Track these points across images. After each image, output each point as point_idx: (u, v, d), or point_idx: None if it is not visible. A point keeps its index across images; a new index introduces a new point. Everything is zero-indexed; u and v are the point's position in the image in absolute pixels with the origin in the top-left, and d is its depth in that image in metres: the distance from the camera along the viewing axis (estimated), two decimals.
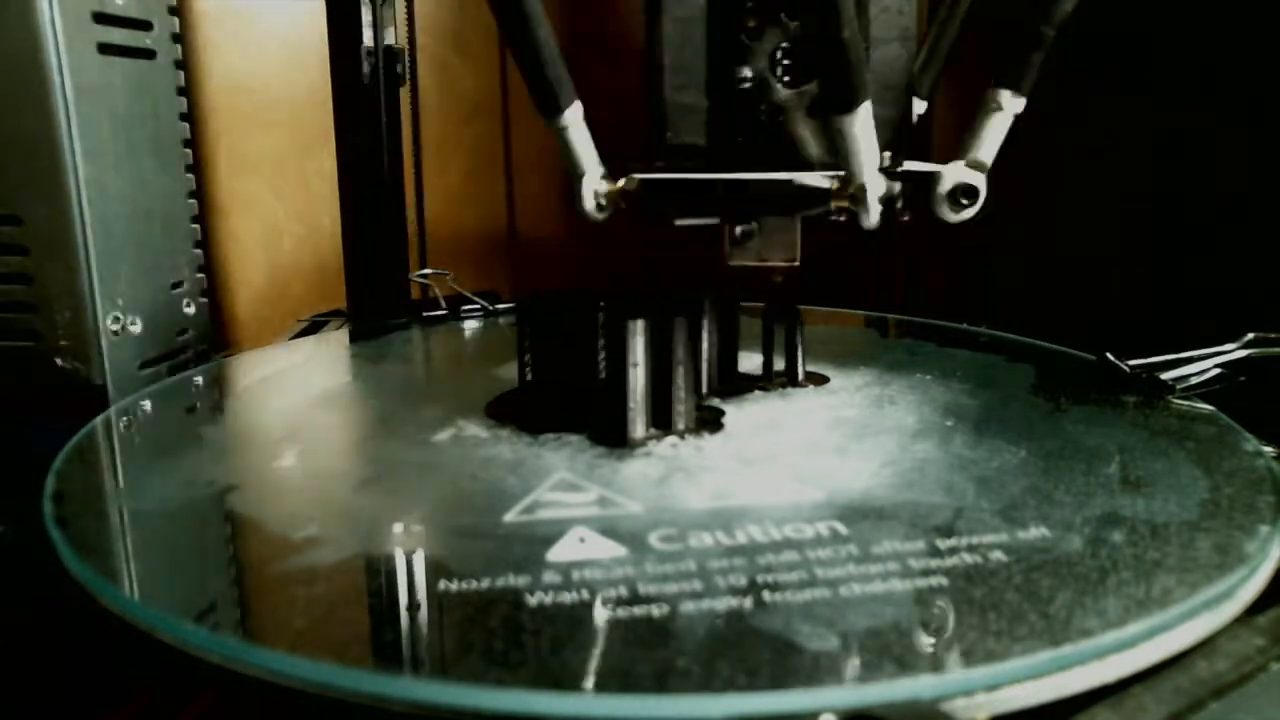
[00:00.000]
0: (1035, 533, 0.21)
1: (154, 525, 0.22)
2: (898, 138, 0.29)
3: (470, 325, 0.45)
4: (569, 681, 0.15)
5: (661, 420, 0.27)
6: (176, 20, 0.40)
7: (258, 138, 0.56)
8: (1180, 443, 0.26)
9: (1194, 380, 0.31)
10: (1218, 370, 0.31)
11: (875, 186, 0.26)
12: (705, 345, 0.30)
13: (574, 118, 0.28)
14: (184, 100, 0.41)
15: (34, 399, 0.35)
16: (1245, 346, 0.31)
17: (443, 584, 0.19)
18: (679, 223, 0.30)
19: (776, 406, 0.30)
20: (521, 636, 0.17)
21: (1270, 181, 0.41)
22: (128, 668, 0.18)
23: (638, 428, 0.26)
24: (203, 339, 0.42)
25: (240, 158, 0.56)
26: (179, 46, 0.40)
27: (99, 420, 0.29)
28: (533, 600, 0.18)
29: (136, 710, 0.18)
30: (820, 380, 0.32)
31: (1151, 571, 0.19)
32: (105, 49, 0.36)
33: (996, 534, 0.20)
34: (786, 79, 0.28)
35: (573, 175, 0.29)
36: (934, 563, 0.19)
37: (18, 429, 0.34)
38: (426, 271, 0.50)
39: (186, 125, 0.41)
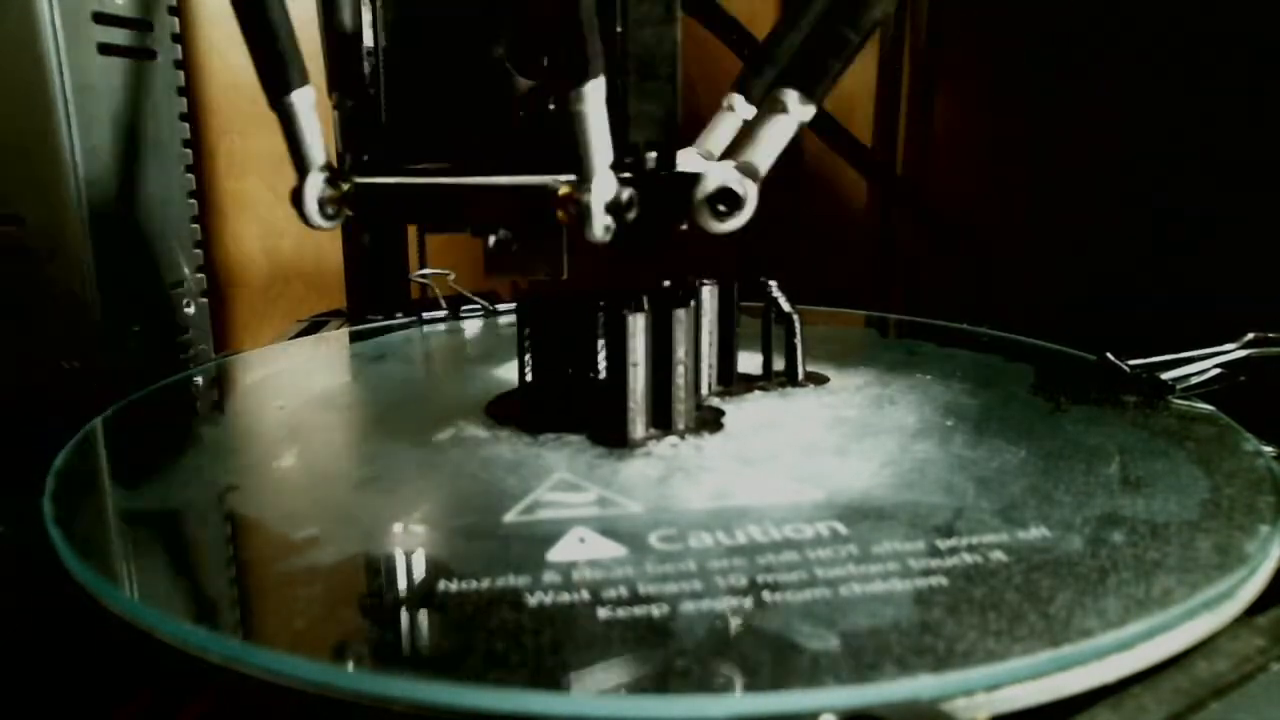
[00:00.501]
0: (1035, 533, 0.21)
1: (154, 525, 0.22)
2: (666, 135, 0.26)
3: (470, 325, 0.45)
4: (569, 681, 0.15)
5: (661, 420, 0.27)
6: (176, 20, 0.40)
7: (258, 138, 0.56)
8: (1180, 443, 0.26)
9: (1194, 380, 0.31)
10: (1218, 370, 0.31)
11: (601, 189, 0.23)
12: (705, 344, 0.30)
13: (302, 103, 0.25)
14: (184, 100, 0.41)
15: (34, 399, 0.35)
16: (1245, 346, 0.31)
17: (443, 584, 0.19)
18: (429, 231, 0.27)
19: (776, 406, 0.30)
20: (521, 636, 0.17)
21: (1271, 181, 0.41)
22: (128, 668, 0.18)
23: (638, 428, 0.26)
24: (203, 339, 0.42)
25: (240, 158, 0.56)
26: (179, 46, 0.40)
27: (99, 420, 0.29)
28: (533, 600, 0.18)
29: (136, 710, 0.18)
30: (820, 380, 0.32)
31: (1151, 572, 0.19)
32: (105, 49, 0.36)
33: (996, 534, 0.20)
34: (523, 69, 0.25)
35: (297, 171, 0.26)
36: (934, 563, 0.19)
37: (18, 429, 0.34)
38: (426, 271, 0.49)
39: (186, 125, 0.41)
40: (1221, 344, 0.32)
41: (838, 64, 0.23)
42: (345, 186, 0.26)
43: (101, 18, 0.36)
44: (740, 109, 0.28)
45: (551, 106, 0.25)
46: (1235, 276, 0.42)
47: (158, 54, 0.39)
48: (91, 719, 0.18)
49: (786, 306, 0.32)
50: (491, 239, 0.26)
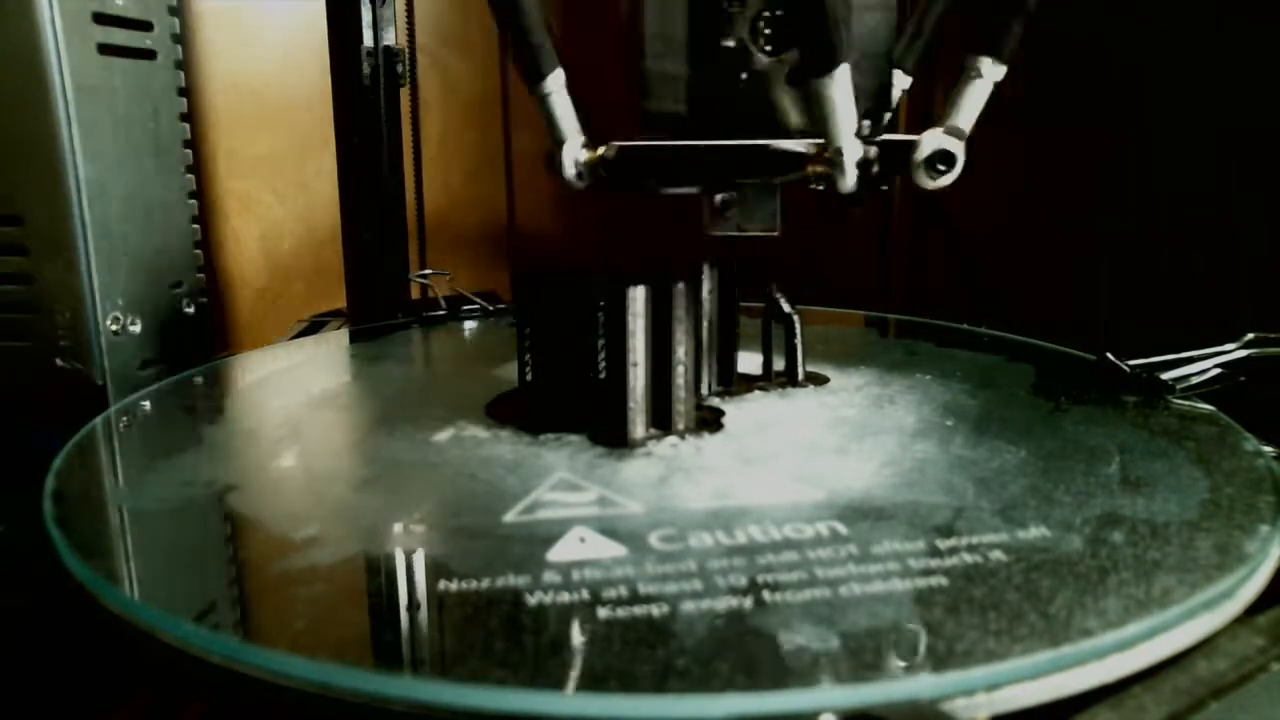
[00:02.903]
0: (1035, 532, 0.21)
1: (154, 525, 0.22)
2: (878, 106, 0.29)
3: (470, 325, 0.45)
4: (569, 681, 0.15)
5: (661, 420, 0.27)
6: (176, 20, 0.40)
7: (258, 138, 0.56)
8: (1180, 443, 0.26)
9: (1194, 380, 0.31)
10: (1218, 370, 0.31)
11: (852, 151, 0.26)
12: (705, 333, 0.30)
13: (555, 85, 0.29)
14: (184, 100, 0.41)
15: (34, 399, 0.35)
16: (1245, 346, 0.31)
17: (443, 584, 0.19)
18: (663, 191, 0.30)
19: (776, 406, 0.30)
20: (521, 636, 0.17)
21: (1271, 181, 0.41)
22: (127, 667, 0.18)
23: (638, 428, 0.26)
24: (203, 339, 0.42)
25: (240, 158, 0.56)
26: (179, 46, 0.40)
27: (99, 420, 0.29)
28: (533, 600, 0.18)
29: (136, 710, 0.18)
30: (820, 380, 0.32)
31: (1151, 571, 0.19)
32: (105, 49, 0.36)
33: (996, 534, 0.20)
34: (768, 47, 0.28)
35: (554, 142, 0.29)
36: (934, 562, 0.19)
37: (18, 429, 0.34)
38: (426, 272, 0.50)
39: (186, 125, 0.41)
40: (1221, 344, 0.32)
41: (1017, 24, 0.27)
42: (602, 150, 0.29)
43: (101, 18, 0.36)
44: (898, 81, 0.31)
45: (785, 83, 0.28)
46: (1235, 276, 0.42)
47: (158, 54, 0.39)
48: (91, 718, 0.18)
49: (786, 306, 0.32)
50: (718, 198, 0.29)
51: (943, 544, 0.20)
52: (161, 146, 0.39)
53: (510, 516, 0.22)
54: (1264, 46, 0.41)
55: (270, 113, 0.56)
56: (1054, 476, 0.24)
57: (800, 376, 0.32)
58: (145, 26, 0.38)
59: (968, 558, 0.19)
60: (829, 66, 0.25)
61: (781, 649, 0.16)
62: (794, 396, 0.31)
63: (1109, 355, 0.32)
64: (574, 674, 0.16)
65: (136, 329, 0.37)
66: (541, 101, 0.29)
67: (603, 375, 0.27)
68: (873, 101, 0.29)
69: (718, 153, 0.28)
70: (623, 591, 0.18)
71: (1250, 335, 0.32)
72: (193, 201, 0.41)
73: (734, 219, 0.29)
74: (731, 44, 0.28)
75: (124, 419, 0.30)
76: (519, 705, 0.15)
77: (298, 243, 0.58)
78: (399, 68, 0.47)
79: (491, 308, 0.46)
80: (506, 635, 0.17)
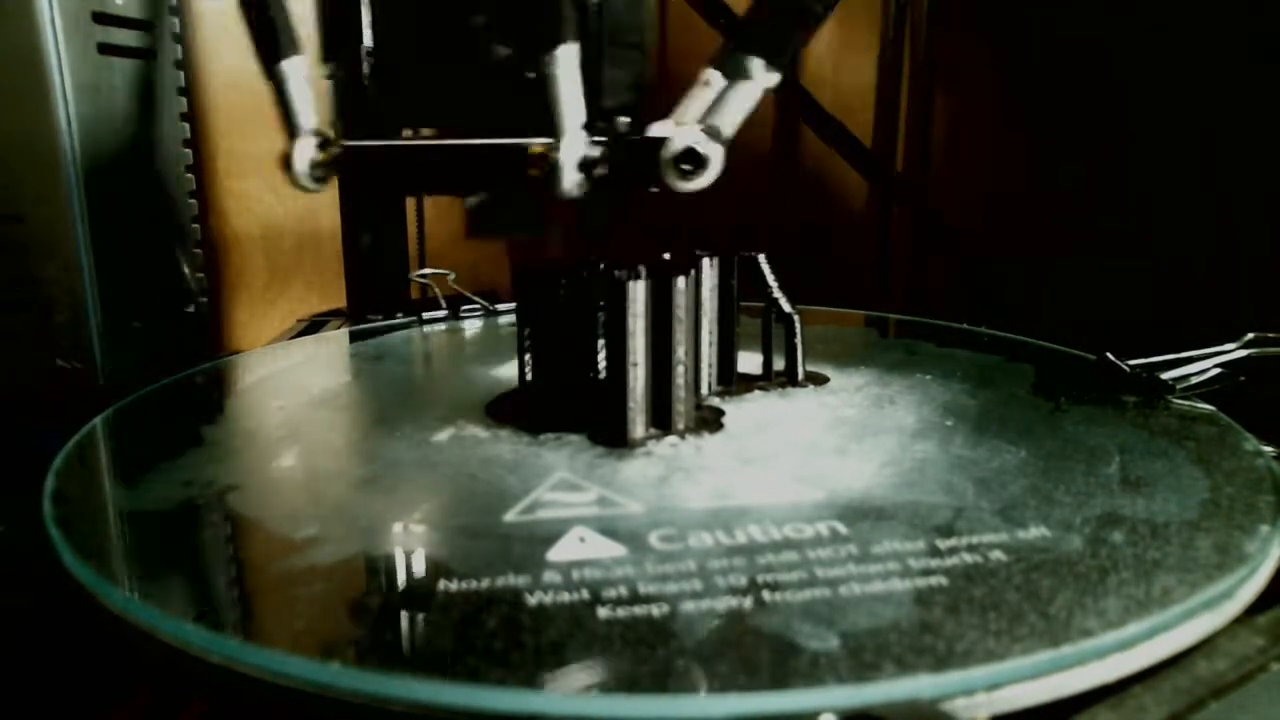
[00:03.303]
0: (1035, 532, 0.21)
1: (154, 525, 0.22)
2: (637, 100, 0.27)
3: (470, 325, 0.45)
4: (569, 681, 0.15)
5: (661, 420, 0.27)
6: (176, 20, 0.40)
7: (258, 138, 0.56)
8: (1180, 442, 0.26)
9: (1194, 380, 0.31)
10: (1218, 370, 0.31)
11: (572, 147, 0.24)
12: (705, 328, 0.30)
13: (293, 70, 0.27)
14: (184, 100, 0.41)
15: (34, 399, 0.35)
16: (1245, 346, 0.31)
17: (443, 584, 0.19)
18: (412, 194, 0.29)
19: (776, 406, 0.30)
20: (521, 636, 0.17)
21: (1271, 181, 0.41)
22: (127, 667, 0.18)
23: (638, 427, 0.26)
24: (203, 339, 0.42)
25: (240, 158, 0.56)
26: (179, 46, 0.40)
27: (99, 420, 0.29)
28: (533, 600, 0.18)
29: (136, 710, 0.18)
30: (820, 380, 0.32)
31: (1151, 571, 0.19)
32: (105, 49, 0.36)
33: (996, 534, 0.20)
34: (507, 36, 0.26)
35: (288, 137, 0.27)
36: (934, 562, 0.19)
37: (18, 429, 0.34)
38: (426, 271, 0.49)
39: (186, 125, 0.41)
40: (1221, 344, 0.32)
41: (800, 33, 0.25)
42: (334, 150, 0.27)
43: (101, 18, 0.36)
44: (716, 83, 0.29)
45: (530, 75, 0.26)
46: (1235, 276, 0.42)
47: (158, 54, 0.39)
48: (91, 718, 0.18)
49: (786, 306, 0.32)
50: (470, 200, 0.28)
51: (943, 544, 0.20)
52: (161, 146, 0.39)
53: (510, 516, 0.22)
54: (1264, 46, 0.41)
55: (270, 113, 0.56)
56: (1054, 476, 0.24)
57: (800, 376, 0.32)
58: (145, 26, 0.38)
59: (968, 558, 0.19)
60: (551, 43, 0.23)
61: (781, 649, 0.16)
62: (794, 396, 0.31)
63: (1109, 355, 0.32)
64: (574, 674, 0.16)
65: (137, 329, 0.37)
66: (275, 86, 0.27)
67: (603, 375, 0.27)
68: (631, 97, 0.27)
69: (442, 153, 0.27)
70: (623, 591, 0.18)
71: (1250, 335, 0.32)
72: (193, 201, 0.41)
73: (494, 221, 0.28)
74: (468, 34, 0.26)
75: (124, 419, 0.30)
76: (519, 705, 0.15)
77: (298, 243, 0.58)
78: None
79: (492, 307, 0.46)
80: (506, 635, 0.17)
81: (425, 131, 0.28)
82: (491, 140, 0.26)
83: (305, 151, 0.27)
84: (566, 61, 0.23)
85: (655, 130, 0.26)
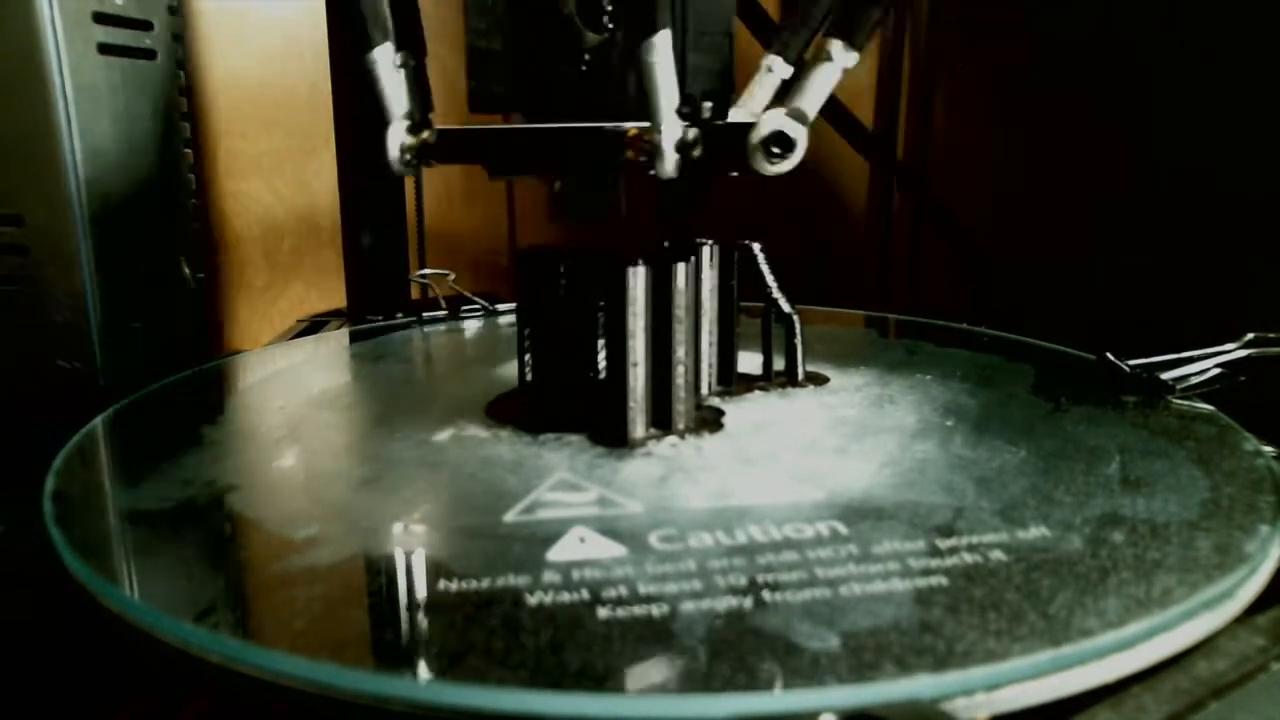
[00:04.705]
0: (1035, 532, 0.21)
1: (154, 525, 0.22)
2: (722, 88, 0.28)
3: (470, 325, 0.45)
4: (569, 682, 0.15)
5: (661, 420, 0.27)
6: (176, 20, 0.40)
7: (258, 138, 0.56)
8: (1180, 442, 0.26)
9: (1194, 380, 0.31)
10: (1218, 370, 0.31)
11: (670, 130, 0.25)
12: (705, 343, 0.30)
13: (383, 58, 0.27)
14: (184, 100, 0.41)
15: (34, 399, 0.35)
16: (1245, 346, 0.31)
17: (443, 584, 0.19)
18: (493, 178, 0.29)
19: (776, 406, 0.30)
20: (521, 636, 0.17)
21: (1271, 180, 0.41)
22: (127, 667, 0.18)
23: (638, 427, 0.26)
24: (203, 339, 0.42)
25: (240, 158, 0.56)
26: (179, 46, 0.40)
27: (99, 420, 0.29)
28: (533, 600, 0.18)
29: (136, 710, 0.18)
30: (820, 380, 0.32)
31: (1151, 571, 0.19)
32: (105, 49, 0.36)
33: (996, 534, 0.20)
34: (592, 25, 0.27)
35: (385, 122, 0.28)
36: (934, 562, 0.19)
37: (18, 429, 0.34)
38: (426, 271, 0.49)
39: (186, 125, 0.41)
40: (1221, 344, 0.31)
41: (875, 11, 0.25)
42: (425, 135, 0.27)
43: (101, 18, 0.36)
44: (778, 69, 0.30)
45: (615, 61, 0.27)
46: (1235, 276, 0.42)
47: (158, 54, 0.39)
48: (91, 718, 0.18)
49: (786, 307, 0.32)
50: (556, 184, 0.28)
51: (943, 544, 0.20)
52: (162, 146, 0.39)
53: (510, 516, 0.22)
54: (1265, 46, 0.41)
55: (270, 112, 0.56)
56: (1054, 476, 0.24)
57: (800, 376, 0.32)
58: (145, 26, 0.38)
59: (968, 557, 0.19)
60: (648, 31, 0.23)
61: (781, 649, 0.16)
62: (794, 396, 0.31)
63: (1109, 355, 0.32)
64: (574, 674, 0.16)
65: (137, 329, 0.37)
66: (369, 74, 0.27)
67: (603, 375, 0.27)
68: (715, 83, 0.27)
69: (539, 136, 0.27)
70: (623, 591, 0.18)
71: (1250, 335, 0.32)
72: (193, 201, 0.41)
73: (576, 205, 0.28)
74: (562, 21, 0.26)
75: (124, 419, 0.30)
76: (519, 705, 0.15)
77: (298, 243, 0.58)
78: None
79: (492, 307, 0.46)
80: (506, 635, 0.17)
81: (514, 118, 0.29)
82: (586, 124, 0.26)
83: (397, 137, 0.27)
84: (663, 47, 0.23)
85: (733, 116, 0.26)
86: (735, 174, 0.26)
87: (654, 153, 0.25)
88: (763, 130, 0.25)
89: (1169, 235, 0.45)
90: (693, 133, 0.25)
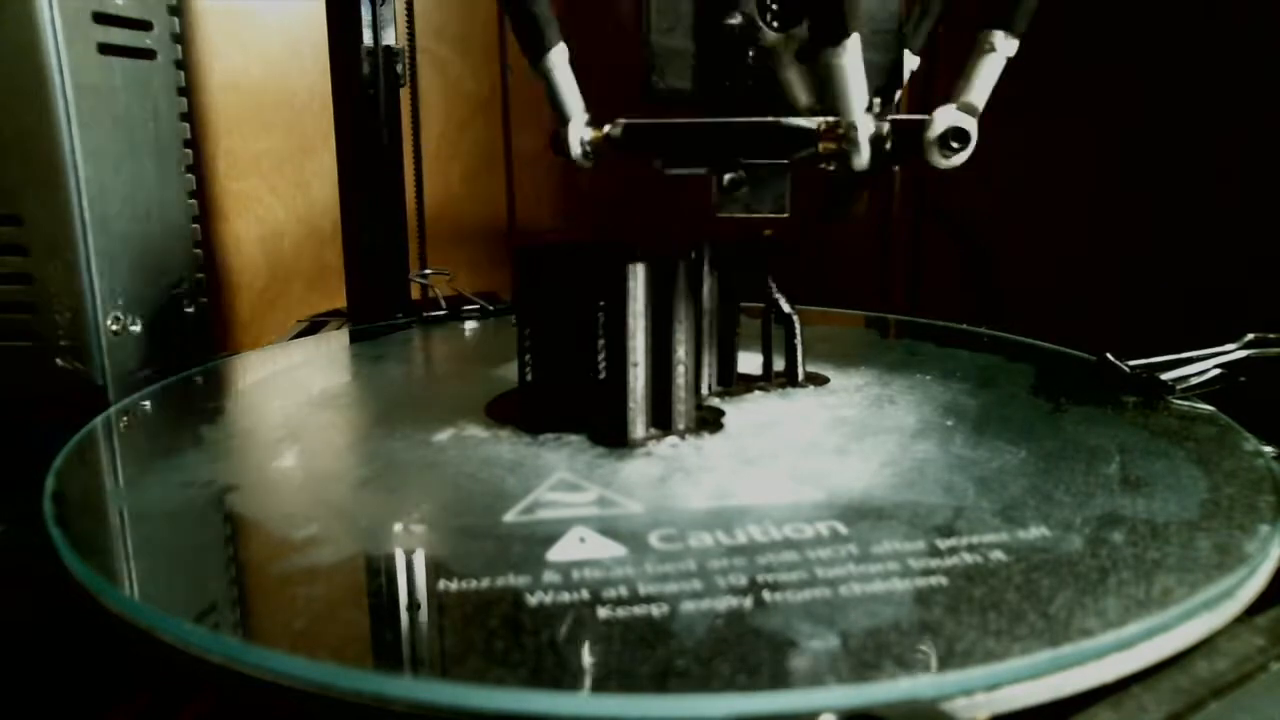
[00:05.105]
0: (1035, 532, 0.21)
1: (154, 525, 0.22)
2: (890, 84, 0.28)
3: (470, 325, 0.45)
4: (569, 681, 0.15)
5: (661, 420, 0.27)
6: (176, 20, 0.40)
7: (257, 138, 0.56)
8: (1180, 443, 0.26)
9: (1194, 380, 0.31)
10: (1218, 370, 0.31)
11: (865, 125, 0.26)
12: (705, 343, 0.30)
13: (559, 60, 0.28)
14: (184, 100, 0.41)
15: (34, 399, 0.35)
16: (1245, 346, 0.31)
17: (443, 584, 0.19)
18: (669, 171, 0.29)
19: (776, 406, 0.30)
20: (521, 636, 0.17)
21: (1271, 180, 0.41)
22: (128, 668, 0.18)
23: (638, 428, 0.26)
24: (203, 339, 0.42)
25: (240, 158, 0.56)
26: (179, 46, 0.40)
27: (99, 420, 0.29)
28: (532, 600, 0.18)
29: (136, 710, 0.18)
30: (820, 380, 0.32)
31: (1151, 571, 0.19)
32: (105, 49, 0.36)
33: (996, 534, 0.20)
34: (775, 23, 0.27)
35: (559, 121, 0.29)
36: (934, 562, 0.19)
37: (18, 429, 0.34)
38: (426, 271, 0.50)
39: (186, 125, 0.41)
40: (1221, 344, 0.32)
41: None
42: (607, 129, 0.29)
43: (101, 18, 0.36)
44: (906, 62, 0.30)
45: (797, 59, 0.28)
46: (1235, 276, 0.42)
47: (157, 54, 0.39)
48: (91, 718, 0.18)
49: (786, 307, 0.32)
50: (727, 177, 0.29)
51: (943, 544, 0.20)
52: (161, 146, 0.39)
53: (510, 516, 0.22)
54: (1265, 46, 0.41)
55: (270, 113, 0.56)
56: (1054, 476, 0.24)
57: (800, 377, 0.32)
58: (145, 26, 0.38)
59: (968, 558, 0.19)
60: (840, 36, 0.24)
61: (781, 649, 0.16)
62: (794, 396, 0.31)
63: (1109, 355, 0.32)
64: (574, 674, 0.16)
65: (136, 329, 0.37)
66: (545, 77, 0.28)
67: (603, 375, 0.27)
68: (884, 79, 0.28)
69: (725, 130, 0.28)
70: (623, 591, 0.18)
71: (1250, 335, 0.32)
72: (193, 201, 0.41)
73: (743, 199, 0.29)
74: (738, 19, 0.27)
75: (124, 419, 0.30)
76: (519, 705, 0.15)
77: (298, 243, 0.58)
78: (399, 67, 0.47)
79: (492, 307, 0.46)
80: (506, 635, 0.17)
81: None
82: (768, 119, 0.27)
83: (578, 133, 0.29)
84: (854, 50, 0.24)
85: (937, 113, 0.27)
86: (897, 167, 0.27)
87: (850, 146, 0.26)
88: (939, 126, 0.26)
89: (1169, 235, 0.45)
90: (885, 127, 0.26)
